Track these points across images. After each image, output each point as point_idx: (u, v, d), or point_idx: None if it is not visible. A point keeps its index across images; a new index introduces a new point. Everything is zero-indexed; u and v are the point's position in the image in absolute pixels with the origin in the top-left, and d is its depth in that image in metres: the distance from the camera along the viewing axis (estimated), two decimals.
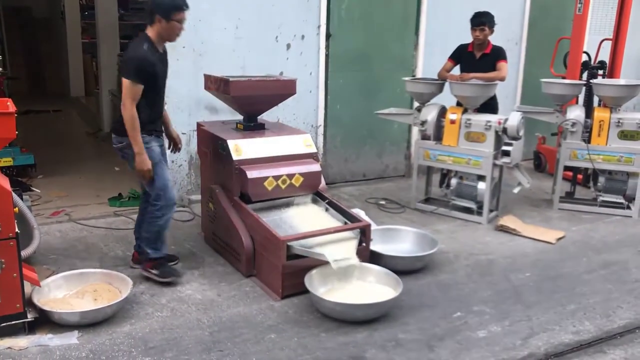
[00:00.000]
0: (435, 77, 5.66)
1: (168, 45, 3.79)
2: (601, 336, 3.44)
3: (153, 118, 3.88)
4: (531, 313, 3.67)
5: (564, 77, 6.39)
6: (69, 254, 4.32)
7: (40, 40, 12.17)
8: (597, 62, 6.46)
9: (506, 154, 5.08)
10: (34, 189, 5.69)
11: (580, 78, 6.30)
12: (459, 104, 5.50)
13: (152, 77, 3.71)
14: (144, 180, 3.81)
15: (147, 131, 3.80)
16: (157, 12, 3.67)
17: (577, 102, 6.18)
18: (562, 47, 6.82)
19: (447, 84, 5.44)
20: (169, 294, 3.77)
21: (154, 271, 3.90)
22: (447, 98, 5.53)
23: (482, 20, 5.33)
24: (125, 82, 3.64)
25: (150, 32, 3.74)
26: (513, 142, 5.07)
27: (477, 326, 3.49)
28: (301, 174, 4.17)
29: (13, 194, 3.12)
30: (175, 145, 4.31)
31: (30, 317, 3.21)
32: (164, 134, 4.11)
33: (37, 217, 4.35)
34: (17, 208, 3.18)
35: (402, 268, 4.00)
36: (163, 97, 3.99)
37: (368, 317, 3.48)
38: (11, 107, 3.16)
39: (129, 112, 3.63)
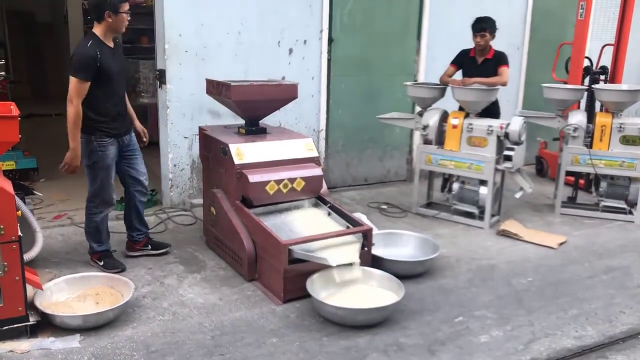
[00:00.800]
0: (437, 81, 5.67)
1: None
2: (603, 341, 3.43)
3: (114, 116, 3.96)
4: (533, 318, 3.66)
5: (565, 82, 6.39)
6: (70, 258, 4.33)
7: (43, 45, 12.21)
8: (599, 67, 6.46)
9: (508, 158, 5.08)
10: (36, 192, 5.70)
11: (582, 83, 6.31)
12: (460, 108, 5.50)
13: (100, 72, 3.81)
14: (68, 172, 3.96)
15: (106, 133, 3.94)
16: (105, 8, 3.80)
17: (578, 107, 6.18)
18: (563, 52, 6.83)
19: (448, 89, 5.45)
20: (171, 298, 3.77)
21: (100, 263, 4.17)
22: (449, 103, 5.53)
23: (483, 26, 5.34)
24: (72, 80, 3.75)
25: (98, 29, 3.87)
26: (515, 146, 5.07)
27: (479, 331, 3.49)
28: (303, 178, 4.17)
29: (16, 197, 3.12)
30: (140, 140, 4.38)
31: (32, 320, 3.21)
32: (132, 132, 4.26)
33: (39, 221, 4.36)
34: (19, 211, 3.19)
35: (404, 272, 4.00)
36: (122, 94, 4.09)
37: (370, 322, 3.48)
38: (14, 110, 3.18)
39: (75, 108, 3.77)
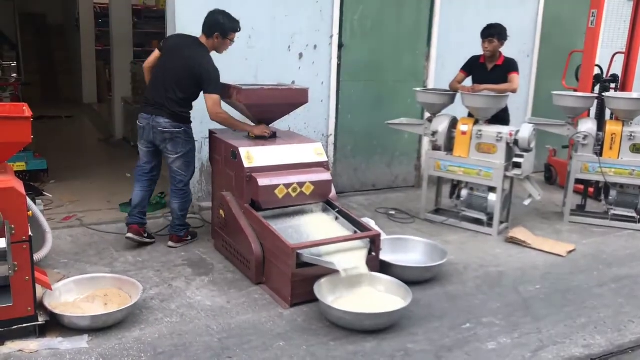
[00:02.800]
0: (447, 88, 5.67)
1: None
2: (612, 350, 3.42)
3: None
4: (541, 326, 3.65)
5: (575, 90, 6.38)
6: (79, 259, 4.35)
7: (54, 47, 12.30)
8: (609, 75, 6.44)
9: (517, 165, 5.07)
10: (46, 193, 5.74)
11: (592, 91, 6.29)
12: (470, 115, 5.50)
13: None
14: (270, 133, 4.46)
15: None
16: (216, 30, 4.29)
17: (588, 115, 6.16)
18: (574, 60, 6.81)
19: (458, 95, 5.45)
20: (179, 300, 3.78)
21: (188, 238, 4.68)
22: (458, 109, 5.53)
23: (491, 32, 5.35)
24: (213, 97, 4.22)
25: (207, 43, 4.36)
26: (524, 154, 5.06)
27: (487, 338, 3.48)
28: (312, 183, 4.18)
29: (27, 198, 3.15)
30: None
31: (41, 320, 3.23)
32: None
33: (49, 222, 4.38)
34: (30, 212, 3.21)
35: (411, 278, 3.99)
36: None
37: (377, 327, 3.48)
38: (27, 111, 3.20)
39: (223, 114, 4.27)
